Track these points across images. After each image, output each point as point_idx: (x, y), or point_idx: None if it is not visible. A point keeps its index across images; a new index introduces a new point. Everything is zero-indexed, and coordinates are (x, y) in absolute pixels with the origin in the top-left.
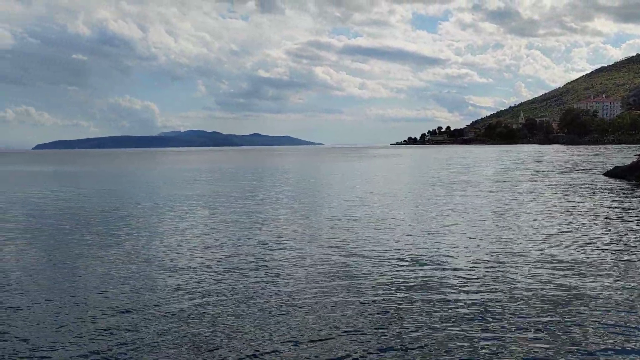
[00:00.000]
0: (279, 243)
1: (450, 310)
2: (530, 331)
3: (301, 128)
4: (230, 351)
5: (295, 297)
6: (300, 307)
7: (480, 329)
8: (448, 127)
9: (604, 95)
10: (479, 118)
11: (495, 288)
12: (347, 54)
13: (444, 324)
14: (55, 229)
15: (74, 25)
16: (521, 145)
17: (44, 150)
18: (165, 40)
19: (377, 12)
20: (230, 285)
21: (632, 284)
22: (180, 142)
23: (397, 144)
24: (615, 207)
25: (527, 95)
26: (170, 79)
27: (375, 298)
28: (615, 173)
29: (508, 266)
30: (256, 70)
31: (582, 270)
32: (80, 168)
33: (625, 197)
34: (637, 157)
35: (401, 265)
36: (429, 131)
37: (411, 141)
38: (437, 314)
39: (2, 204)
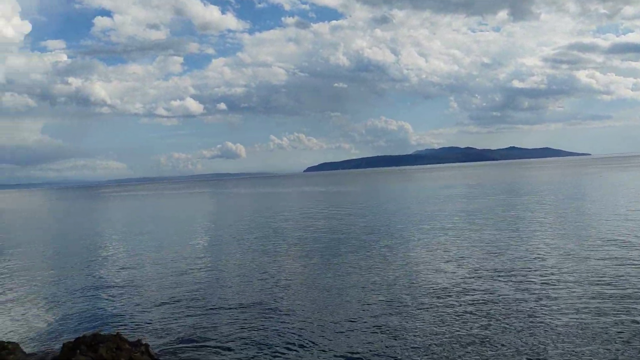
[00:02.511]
0: (541, 259)
1: None
2: None
3: (562, 138)
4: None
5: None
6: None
7: None
8: None
9: None
10: None
11: None
12: (616, 53)
13: None
14: (325, 240)
15: (335, 57)
16: None
17: (313, 172)
18: (417, 61)
19: None
20: (487, 292)
21: None
22: (433, 159)
23: None
24: None
25: None
26: (423, 97)
27: None
28: None
29: None
30: (510, 81)
31: None
32: (344, 187)
33: None
34: None
35: None
36: None
37: None
38: None
39: (282, 220)
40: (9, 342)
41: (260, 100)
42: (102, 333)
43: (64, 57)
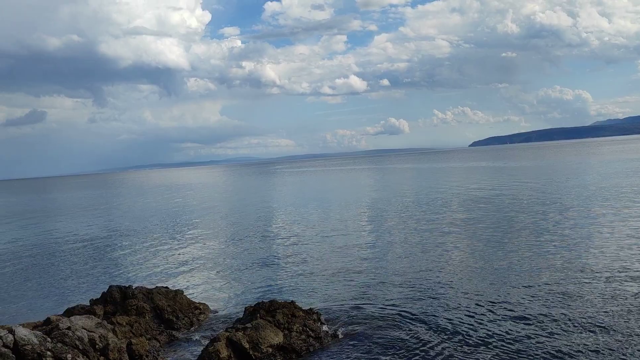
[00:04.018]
0: None
1: None
2: None
3: None
4: None
5: None
6: None
7: None
8: None
9: None
10: None
11: None
12: None
13: None
14: (491, 217)
15: (502, 25)
16: None
17: (478, 147)
18: (598, 23)
19: None
20: None
21: None
22: (617, 130)
23: None
24: None
25: None
26: (604, 62)
27: None
28: None
29: None
30: None
31: None
32: (513, 162)
33: None
34: None
35: None
36: None
37: None
38: None
39: (446, 195)
40: (200, 303)
41: (423, 74)
42: (278, 300)
43: (239, 43)
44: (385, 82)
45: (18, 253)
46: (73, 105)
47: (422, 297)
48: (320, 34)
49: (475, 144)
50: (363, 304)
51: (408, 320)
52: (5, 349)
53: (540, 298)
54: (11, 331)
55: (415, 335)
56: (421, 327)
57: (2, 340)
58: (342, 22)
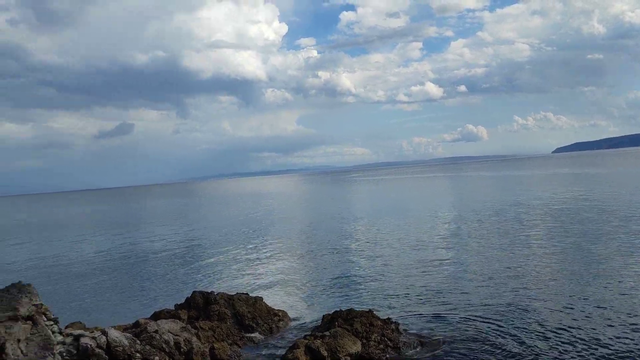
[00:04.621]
0: None
1: None
2: None
3: None
4: None
5: None
6: None
7: None
8: None
9: None
10: None
11: None
12: None
13: None
14: (577, 230)
15: (588, 26)
16: None
17: (562, 153)
18: None
19: None
20: None
21: None
22: None
23: None
24: None
25: None
26: None
27: None
28: None
29: None
30: None
31: None
32: (602, 169)
33: None
34: None
35: None
36: None
37: None
38: None
39: (527, 206)
40: (279, 310)
41: (502, 79)
42: (356, 309)
43: (314, 53)
44: (463, 88)
45: (110, 259)
46: (158, 117)
47: (505, 309)
48: (395, 42)
49: (558, 150)
50: (442, 314)
51: (489, 332)
52: (99, 350)
53: (636, 315)
54: (104, 333)
55: (496, 348)
56: (503, 340)
57: (96, 341)
58: (417, 29)
